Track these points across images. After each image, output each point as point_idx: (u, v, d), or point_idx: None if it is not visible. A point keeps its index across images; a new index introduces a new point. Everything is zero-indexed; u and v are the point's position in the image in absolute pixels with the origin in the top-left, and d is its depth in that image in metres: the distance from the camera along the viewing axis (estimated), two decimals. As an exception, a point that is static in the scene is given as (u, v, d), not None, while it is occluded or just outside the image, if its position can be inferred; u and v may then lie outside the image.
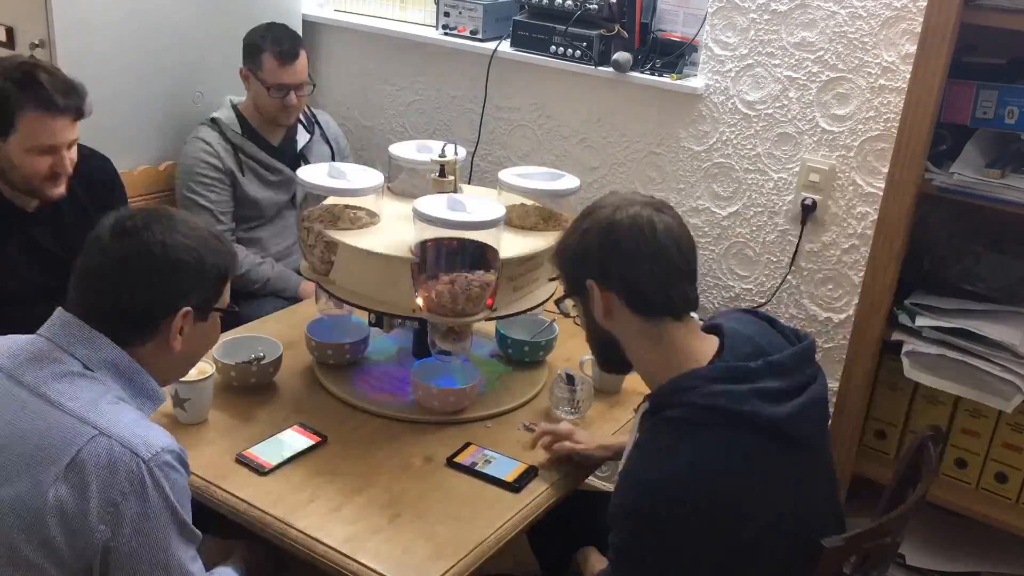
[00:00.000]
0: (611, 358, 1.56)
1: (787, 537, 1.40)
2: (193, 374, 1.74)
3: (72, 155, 2.05)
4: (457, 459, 1.76)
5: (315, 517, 1.59)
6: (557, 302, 1.63)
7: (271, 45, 2.61)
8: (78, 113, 2.02)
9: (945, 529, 2.19)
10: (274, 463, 1.69)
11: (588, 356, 2.03)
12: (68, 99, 1.98)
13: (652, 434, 1.43)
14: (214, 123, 2.68)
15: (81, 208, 2.17)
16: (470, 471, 1.74)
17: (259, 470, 1.68)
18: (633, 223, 1.45)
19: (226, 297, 1.51)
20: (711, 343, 1.48)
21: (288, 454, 1.72)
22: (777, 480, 1.39)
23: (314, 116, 2.88)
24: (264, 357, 1.92)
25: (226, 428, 1.81)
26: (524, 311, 1.92)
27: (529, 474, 1.73)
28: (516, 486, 1.70)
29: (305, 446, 1.75)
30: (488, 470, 1.74)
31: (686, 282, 1.46)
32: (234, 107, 2.72)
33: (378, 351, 2.10)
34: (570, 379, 1.88)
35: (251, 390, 1.93)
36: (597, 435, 1.84)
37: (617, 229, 1.45)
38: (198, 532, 1.37)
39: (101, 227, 1.40)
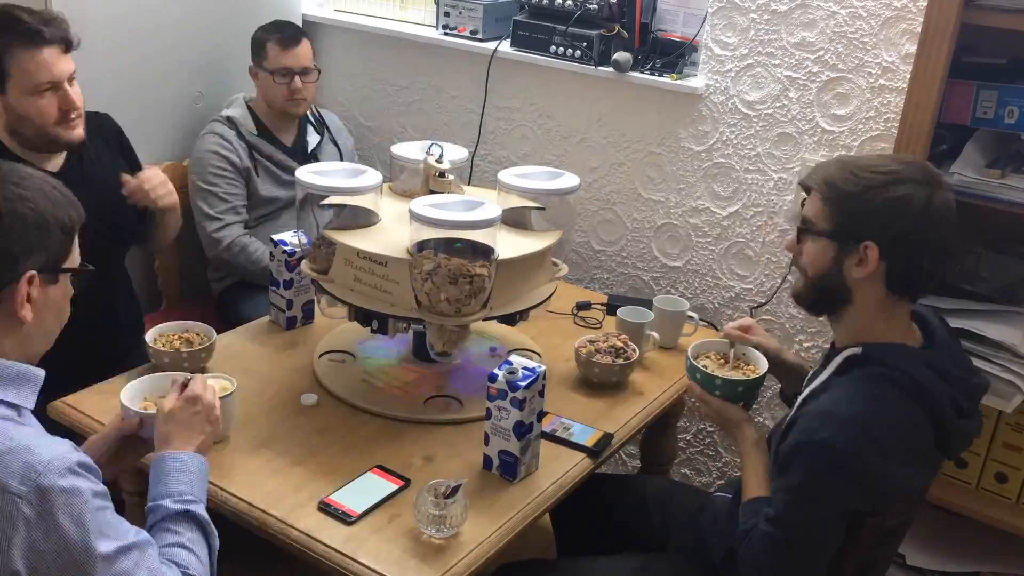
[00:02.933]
0: (823, 301, 1.57)
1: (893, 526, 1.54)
2: (217, 390, 1.65)
3: (76, 90, 2.02)
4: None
5: (315, 517, 1.59)
6: (800, 227, 1.55)
7: (273, 34, 2.69)
8: (66, 43, 1.99)
9: (945, 529, 2.19)
10: (360, 511, 1.60)
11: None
12: (52, 28, 1.96)
13: (862, 382, 1.46)
14: (229, 121, 2.71)
15: (102, 163, 2.19)
16: (552, 437, 1.81)
17: (345, 519, 1.58)
18: (949, 214, 1.45)
19: (75, 256, 1.33)
20: (915, 330, 1.57)
21: (375, 500, 1.63)
22: (925, 476, 1.54)
23: (322, 117, 2.90)
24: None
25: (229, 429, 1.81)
26: (524, 310, 1.91)
27: (606, 439, 1.83)
28: (596, 450, 1.80)
29: (390, 491, 1.66)
30: (569, 436, 1.83)
31: (946, 271, 1.53)
32: (247, 104, 2.75)
33: (377, 355, 2.10)
34: (453, 491, 1.55)
35: (251, 390, 1.93)
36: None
37: (934, 216, 1.43)
38: (122, 537, 1.23)
39: None
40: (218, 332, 2.01)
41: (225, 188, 2.66)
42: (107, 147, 2.25)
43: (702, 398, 1.76)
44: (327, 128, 2.90)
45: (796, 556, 1.49)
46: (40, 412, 1.34)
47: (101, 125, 2.27)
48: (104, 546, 1.20)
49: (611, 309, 2.30)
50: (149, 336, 1.95)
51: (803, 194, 1.60)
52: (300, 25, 3.08)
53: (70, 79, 2.01)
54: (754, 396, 1.85)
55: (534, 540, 1.71)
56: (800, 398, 1.59)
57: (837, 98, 2.34)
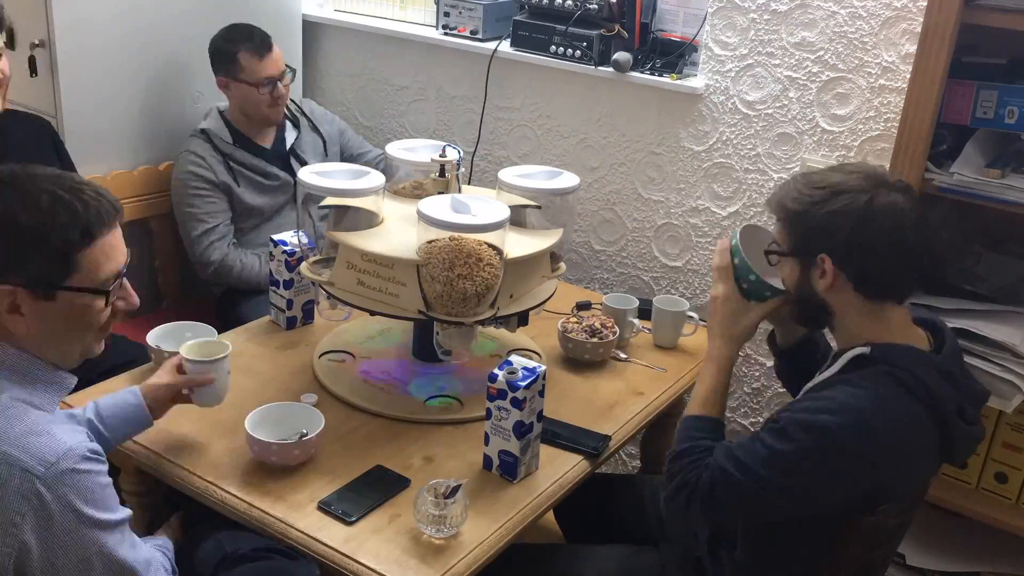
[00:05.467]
0: (812, 318, 1.62)
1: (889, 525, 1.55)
2: (204, 353, 1.71)
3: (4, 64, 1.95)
4: None
5: (315, 517, 1.59)
6: (766, 252, 1.62)
7: (242, 44, 2.60)
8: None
9: (945, 529, 2.19)
10: (360, 511, 1.60)
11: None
12: None
13: (869, 379, 1.48)
14: (204, 134, 2.66)
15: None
16: (551, 441, 1.80)
17: (345, 519, 1.58)
18: (890, 216, 1.48)
19: (100, 273, 1.34)
20: (922, 334, 1.57)
21: (375, 500, 1.63)
22: (924, 478, 1.57)
23: (299, 108, 2.85)
24: (307, 433, 1.71)
25: (227, 428, 1.81)
26: (525, 310, 1.91)
27: (605, 440, 1.84)
28: (595, 451, 1.81)
29: (390, 491, 1.66)
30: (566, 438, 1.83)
31: (918, 271, 1.52)
32: (221, 114, 2.71)
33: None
34: (453, 491, 1.55)
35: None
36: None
37: (874, 222, 1.47)
38: (123, 513, 1.35)
39: None
40: (218, 332, 2.01)
41: (205, 209, 2.62)
42: (37, 152, 2.17)
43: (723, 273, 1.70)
44: (304, 117, 2.84)
45: (736, 504, 1.50)
46: None
47: (38, 129, 2.21)
48: (105, 516, 1.32)
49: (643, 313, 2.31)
50: (151, 337, 1.95)
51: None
52: (300, 25, 3.09)
53: None
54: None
55: (541, 533, 1.73)
56: (803, 391, 1.60)
57: (837, 98, 2.34)
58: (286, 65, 2.69)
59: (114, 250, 1.37)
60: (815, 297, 1.56)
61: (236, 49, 2.59)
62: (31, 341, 1.33)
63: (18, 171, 1.31)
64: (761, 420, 2.62)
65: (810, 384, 1.60)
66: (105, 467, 1.33)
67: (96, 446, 1.32)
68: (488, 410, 1.69)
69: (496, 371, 1.67)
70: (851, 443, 1.42)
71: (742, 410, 2.67)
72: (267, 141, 2.76)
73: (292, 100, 2.84)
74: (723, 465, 1.50)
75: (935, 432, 1.49)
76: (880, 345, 1.51)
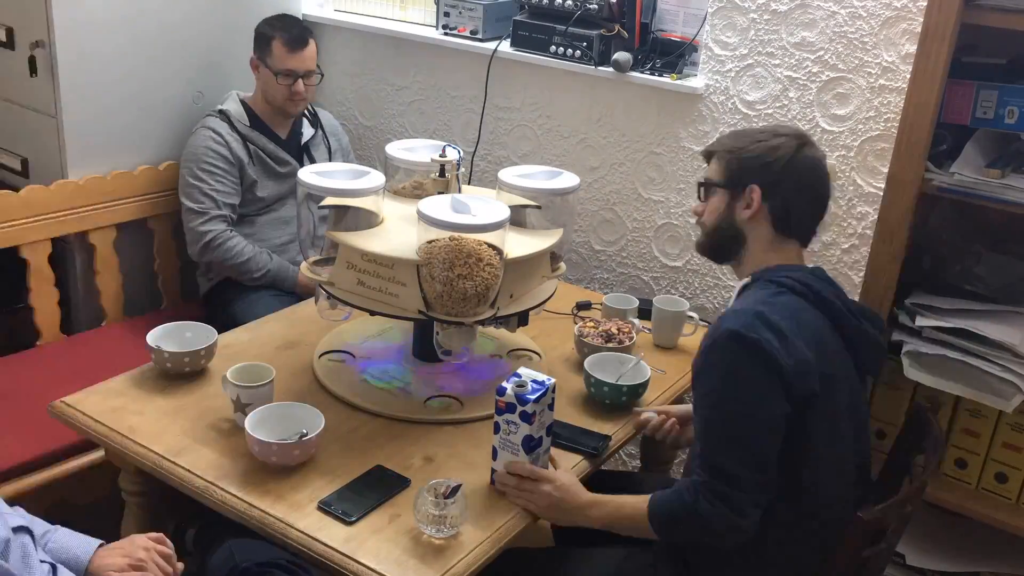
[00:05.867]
0: (720, 247, 1.78)
1: (845, 422, 1.64)
2: (250, 377, 1.76)
3: None
4: None
5: (315, 517, 1.59)
6: (700, 184, 1.79)
7: (280, 32, 2.66)
8: None
9: (945, 529, 2.19)
10: (360, 511, 1.60)
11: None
12: None
13: (752, 291, 1.69)
14: (222, 114, 2.70)
15: None
16: (553, 443, 1.78)
17: (345, 519, 1.58)
18: (817, 165, 1.71)
19: None
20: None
21: (375, 500, 1.63)
22: (837, 360, 1.65)
23: (317, 114, 2.90)
24: (307, 433, 1.71)
25: (227, 428, 1.81)
26: (525, 310, 1.91)
27: (605, 440, 1.86)
28: (595, 451, 1.83)
29: (390, 491, 1.66)
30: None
31: (820, 220, 1.75)
32: (241, 101, 2.75)
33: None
34: (453, 491, 1.55)
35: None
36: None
37: (803, 163, 1.69)
38: None
39: None
40: (211, 330, 2.00)
41: (212, 184, 2.64)
42: None
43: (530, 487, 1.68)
44: (320, 124, 2.89)
45: (736, 462, 1.54)
46: None
47: None
48: None
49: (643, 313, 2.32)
50: (151, 337, 1.95)
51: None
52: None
53: None
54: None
55: (534, 536, 1.72)
56: None
57: (837, 98, 2.34)
58: (317, 67, 2.73)
59: None
60: (734, 227, 1.73)
61: (273, 35, 2.66)
62: None
63: None
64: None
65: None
66: None
67: None
68: (496, 424, 1.66)
69: (504, 384, 1.64)
70: (754, 332, 1.54)
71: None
72: (283, 132, 2.79)
73: (313, 106, 2.88)
74: (700, 479, 1.56)
75: (831, 330, 1.65)
76: (762, 271, 1.70)
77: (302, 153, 2.81)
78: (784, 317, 1.58)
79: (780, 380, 1.54)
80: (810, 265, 1.75)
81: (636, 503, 1.64)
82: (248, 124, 2.72)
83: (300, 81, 2.66)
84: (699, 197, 1.81)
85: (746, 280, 1.74)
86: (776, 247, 1.72)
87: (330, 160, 2.88)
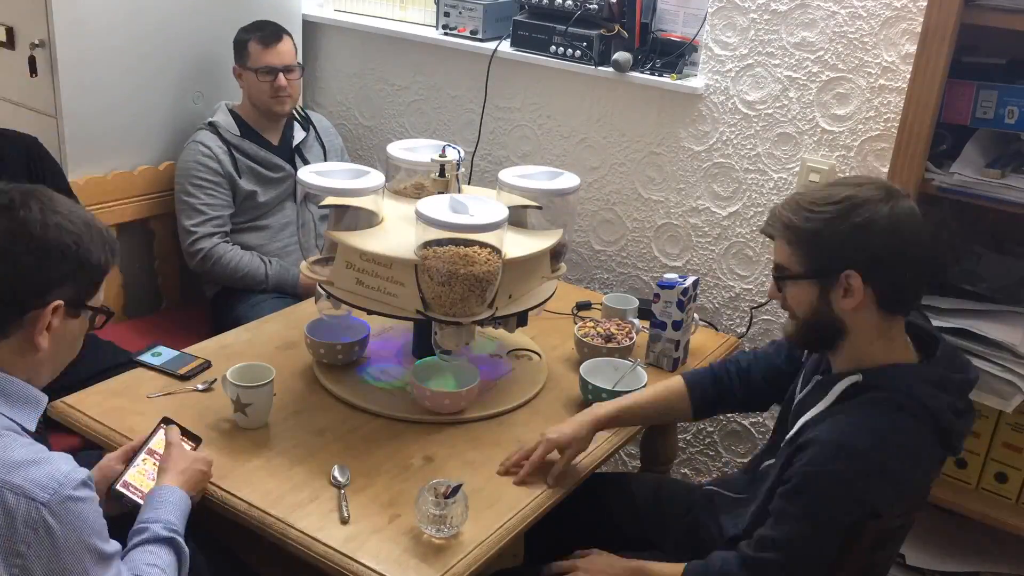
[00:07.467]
0: (818, 339, 1.57)
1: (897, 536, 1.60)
2: (249, 377, 1.76)
3: None
4: None
5: (315, 517, 1.59)
6: (775, 278, 1.55)
7: (253, 32, 2.70)
8: None
9: (945, 529, 2.19)
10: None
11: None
12: None
13: (867, 408, 1.48)
14: (211, 127, 2.71)
15: None
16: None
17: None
18: (912, 223, 1.45)
19: (100, 295, 1.37)
20: (909, 344, 1.56)
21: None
22: (928, 481, 1.57)
23: (308, 116, 2.91)
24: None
25: (227, 428, 1.81)
26: (524, 311, 1.91)
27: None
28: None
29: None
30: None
31: (932, 277, 1.55)
32: (230, 111, 2.75)
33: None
34: (453, 491, 1.55)
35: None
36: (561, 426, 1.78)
37: (900, 231, 1.44)
38: (114, 545, 1.31)
39: None
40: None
41: (203, 199, 2.65)
42: (25, 172, 2.18)
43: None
44: (313, 126, 2.90)
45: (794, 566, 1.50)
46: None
47: (26, 149, 2.22)
48: (106, 547, 1.29)
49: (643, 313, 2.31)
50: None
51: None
52: (300, 25, 3.09)
53: None
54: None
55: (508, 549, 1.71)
56: (796, 427, 1.59)
57: (837, 98, 2.34)
58: (298, 63, 2.74)
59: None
60: (833, 318, 1.50)
61: (248, 38, 2.70)
62: (30, 364, 1.32)
63: (49, 191, 1.32)
64: (761, 420, 2.62)
65: (800, 422, 1.58)
66: (95, 494, 1.30)
67: (86, 472, 1.28)
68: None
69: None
70: (863, 486, 1.45)
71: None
72: (274, 137, 2.80)
73: (300, 108, 2.87)
74: (770, 559, 1.50)
75: (935, 439, 1.50)
76: (871, 371, 1.51)
77: (294, 156, 2.81)
78: (902, 457, 1.46)
79: (873, 519, 1.48)
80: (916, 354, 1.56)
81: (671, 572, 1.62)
82: (238, 133, 2.72)
83: (281, 75, 2.67)
84: (776, 286, 1.57)
85: (855, 379, 1.51)
86: (883, 331, 1.51)
87: (326, 159, 2.88)
